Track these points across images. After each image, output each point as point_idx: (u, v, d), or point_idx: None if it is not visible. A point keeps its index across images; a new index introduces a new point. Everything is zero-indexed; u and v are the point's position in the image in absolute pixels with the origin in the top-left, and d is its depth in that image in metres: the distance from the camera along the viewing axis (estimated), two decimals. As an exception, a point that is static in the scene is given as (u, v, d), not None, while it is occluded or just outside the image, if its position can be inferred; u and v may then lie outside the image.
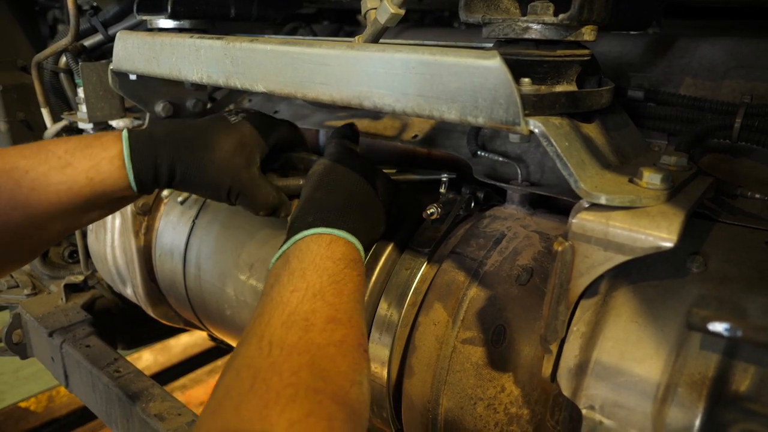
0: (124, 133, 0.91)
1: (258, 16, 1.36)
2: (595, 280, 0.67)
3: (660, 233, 0.58)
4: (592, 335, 0.69)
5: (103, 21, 1.51)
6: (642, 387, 0.64)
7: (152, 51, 1.11)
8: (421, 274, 0.98)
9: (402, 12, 0.78)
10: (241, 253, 1.22)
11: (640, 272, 0.70)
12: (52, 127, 1.53)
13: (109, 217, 1.53)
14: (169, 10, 1.19)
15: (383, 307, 1.00)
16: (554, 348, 0.71)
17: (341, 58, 0.77)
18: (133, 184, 0.91)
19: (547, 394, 0.78)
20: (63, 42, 1.38)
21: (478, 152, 1.07)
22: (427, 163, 1.30)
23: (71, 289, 1.71)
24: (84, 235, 1.71)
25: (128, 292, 1.58)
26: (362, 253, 0.83)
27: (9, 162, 0.84)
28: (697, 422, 0.57)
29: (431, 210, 0.99)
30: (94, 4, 1.66)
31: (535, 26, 0.68)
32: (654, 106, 0.95)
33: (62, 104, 1.58)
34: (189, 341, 3.70)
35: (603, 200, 0.61)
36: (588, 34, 0.69)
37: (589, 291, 0.70)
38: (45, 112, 1.52)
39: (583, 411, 0.68)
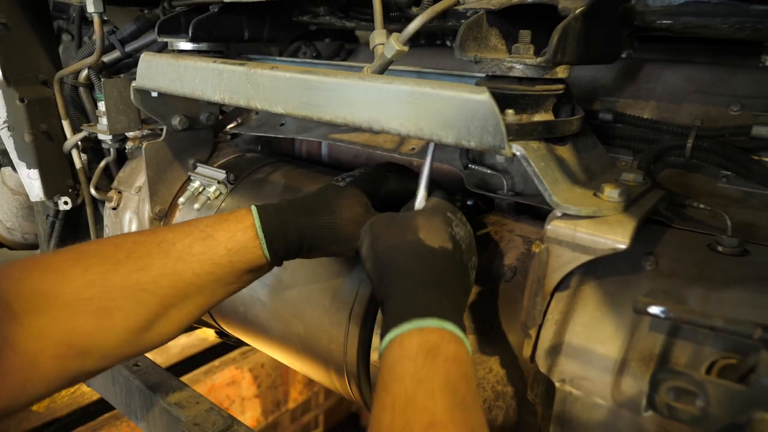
0: (254, 208, 0.98)
1: (269, 38, 1.49)
2: (566, 275, 0.81)
3: (616, 237, 0.73)
4: (564, 322, 0.83)
5: (120, 39, 1.64)
6: (603, 363, 0.78)
7: (176, 72, 1.24)
8: (419, 273, 1.12)
9: (406, 49, 0.92)
10: (254, 255, 1.35)
11: (604, 269, 0.85)
12: (72, 138, 1.65)
13: (126, 223, 1.65)
14: (191, 34, 1.32)
15: (385, 302, 1.13)
16: (533, 333, 0.85)
17: (354, 87, 0.90)
18: (265, 251, 0.94)
19: (527, 373, 0.92)
20: (88, 60, 1.50)
21: (469, 165, 1.21)
22: (412, 173, 1.44)
23: (87, 289, 1.82)
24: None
25: (143, 291, 1.69)
26: (442, 328, 0.71)
27: (159, 235, 0.92)
28: (645, 389, 0.71)
29: (427, 216, 1.12)
30: (105, 18, 1.78)
31: (517, 66, 0.82)
32: (621, 126, 1.10)
33: (81, 116, 1.70)
34: (187, 342, 3.81)
35: (572, 211, 0.76)
36: (561, 72, 0.84)
37: (562, 285, 0.85)
38: (66, 124, 1.64)
39: (557, 384, 0.82)
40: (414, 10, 1.10)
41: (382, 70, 0.97)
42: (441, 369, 0.66)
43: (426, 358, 0.67)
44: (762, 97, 1.06)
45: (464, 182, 1.19)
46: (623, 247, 0.72)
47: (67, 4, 2.13)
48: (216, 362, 3.88)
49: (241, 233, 0.94)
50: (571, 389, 0.81)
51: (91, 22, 1.77)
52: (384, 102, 0.87)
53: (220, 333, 1.95)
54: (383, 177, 1.13)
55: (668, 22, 0.94)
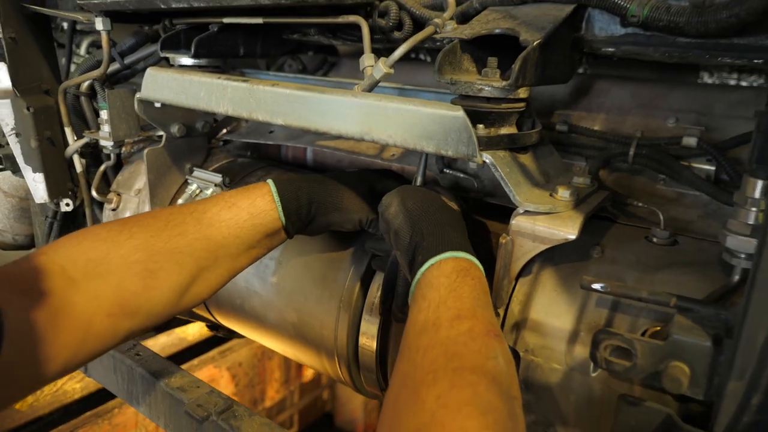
0: (270, 180, 1.14)
1: (261, 53, 1.63)
2: (528, 262, 0.97)
3: (567, 229, 0.89)
4: (527, 302, 1.00)
5: (120, 52, 1.76)
6: (559, 334, 0.95)
7: (181, 86, 1.37)
8: (402, 265, 1.28)
9: (392, 71, 1.08)
10: (251, 251, 1.49)
11: (559, 258, 1.02)
12: (74, 144, 1.76)
13: (125, 222, 1.77)
14: (193, 51, 1.45)
15: (372, 292, 1.29)
16: (501, 311, 1.01)
17: (348, 103, 1.06)
18: (281, 212, 1.11)
19: (496, 347, 1.08)
20: (95, 72, 1.62)
21: (444, 170, 1.37)
22: (401, 178, 1.60)
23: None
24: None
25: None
26: (470, 260, 0.90)
27: (191, 207, 1.08)
28: (589, 354, 0.88)
29: (409, 215, 1.28)
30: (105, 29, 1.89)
31: (486, 88, 0.98)
32: (575, 136, 1.28)
33: (81, 123, 1.81)
34: (167, 341, 3.90)
35: (531, 208, 0.92)
36: (523, 92, 1.00)
37: (525, 271, 1.01)
38: (68, 131, 1.75)
39: (521, 354, 0.98)
40: (396, 34, 1.26)
41: (371, 89, 1.12)
42: (469, 283, 0.85)
43: (458, 276, 0.85)
44: (693, 112, 1.24)
45: (440, 184, 1.35)
46: (573, 237, 0.89)
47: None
48: (195, 361, 3.98)
49: (260, 199, 1.11)
50: (532, 357, 0.97)
51: (79, 32, 1.88)
52: (375, 117, 1.02)
53: (212, 326, 2.07)
54: (382, 174, 1.31)
55: (611, 49, 1.11)
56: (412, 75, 1.66)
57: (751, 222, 0.80)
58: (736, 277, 0.84)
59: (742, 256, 0.82)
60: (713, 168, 1.14)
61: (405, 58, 1.59)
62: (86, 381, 3.20)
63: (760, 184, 0.80)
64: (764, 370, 0.64)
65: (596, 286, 0.81)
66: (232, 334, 2.18)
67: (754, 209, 0.81)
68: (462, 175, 1.35)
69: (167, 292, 0.98)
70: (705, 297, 0.82)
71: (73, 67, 2.01)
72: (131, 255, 0.95)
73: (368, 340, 1.29)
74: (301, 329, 1.42)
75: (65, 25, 2.12)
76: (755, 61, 0.96)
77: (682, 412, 0.80)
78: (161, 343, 3.92)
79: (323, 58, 1.95)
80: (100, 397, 3.19)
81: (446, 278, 0.85)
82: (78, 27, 2.04)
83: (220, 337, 4.31)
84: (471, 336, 0.75)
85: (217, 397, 1.46)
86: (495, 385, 0.69)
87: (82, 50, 2.30)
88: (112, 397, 3.04)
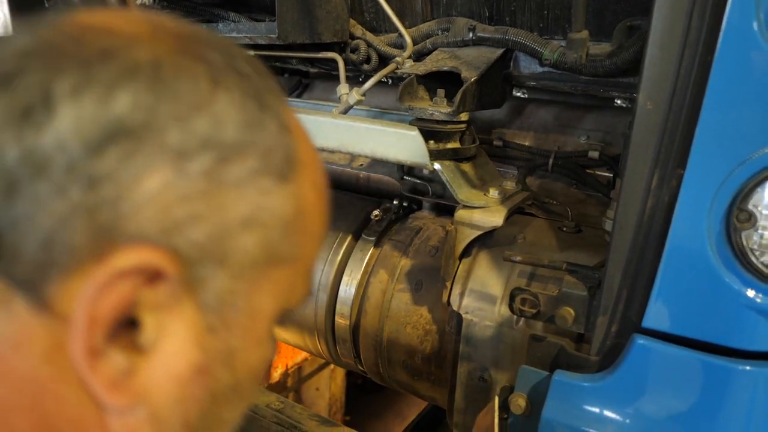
0: None
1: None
2: (469, 246, 1.28)
3: (495, 219, 1.21)
4: (468, 276, 1.30)
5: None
6: (491, 299, 1.26)
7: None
8: (370, 254, 1.57)
9: (364, 98, 1.38)
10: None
11: (493, 243, 1.33)
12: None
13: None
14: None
15: (346, 276, 1.57)
16: (448, 284, 1.32)
17: (328, 123, 1.35)
18: None
19: (445, 313, 1.39)
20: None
21: (404, 177, 1.68)
22: (366, 183, 1.90)
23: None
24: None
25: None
26: None
27: None
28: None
29: (376, 213, 1.58)
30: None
31: (435, 113, 1.29)
32: (509, 150, 1.60)
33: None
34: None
35: (469, 204, 1.23)
36: (464, 116, 1.32)
37: (467, 253, 1.32)
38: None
39: (463, 315, 1.29)
40: (365, 66, 1.56)
41: (346, 111, 1.42)
42: None
43: None
44: (601, 131, 1.58)
45: (401, 189, 1.66)
46: (499, 224, 1.20)
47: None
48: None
49: None
50: (471, 317, 1.28)
51: None
52: (350, 134, 1.31)
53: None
54: None
55: (533, 83, 1.44)
56: (382, 95, 1.96)
57: (622, 212, 1.13)
58: (614, 252, 1.16)
59: (618, 236, 1.15)
60: (612, 175, 1.47)
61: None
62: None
63: (627, 184, 1.12)
64: (618, 306, 0.95)
65: (514, 258, 1.12)
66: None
67: (624, 202, 1.13)
68: (419, 181, 1.66)
69: None
70: (593, 265, 1.14)
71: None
72: None
73: (344, 317, 1.58)
74: (286, 310, 1.70)
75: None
76: (634, 94, 1.30)
77: (578, 347, 1.12)
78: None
79: (298, 80, 2.24)
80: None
81: None
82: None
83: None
84: None
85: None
86: None
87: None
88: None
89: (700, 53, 0.82)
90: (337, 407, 5.42)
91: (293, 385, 5.46)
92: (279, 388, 5.26)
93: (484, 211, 1.23)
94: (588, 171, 1.47)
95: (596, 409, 0.97)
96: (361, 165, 1.84)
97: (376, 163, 1.83)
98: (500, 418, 1.10)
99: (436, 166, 1.24)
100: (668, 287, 0.89)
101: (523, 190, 1.36)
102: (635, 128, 0.89)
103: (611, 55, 1.23)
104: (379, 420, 5.50)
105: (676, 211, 0.87)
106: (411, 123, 1.35)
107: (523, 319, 1.20)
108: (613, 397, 0.96)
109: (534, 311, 1.08)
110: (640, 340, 0.93)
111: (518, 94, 1.85)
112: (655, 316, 0.92)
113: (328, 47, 1.55)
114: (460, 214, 1.25)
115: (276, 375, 5.17)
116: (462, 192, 1.25)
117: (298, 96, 2.20)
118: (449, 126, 1.31)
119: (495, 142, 1.61)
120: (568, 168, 1.48)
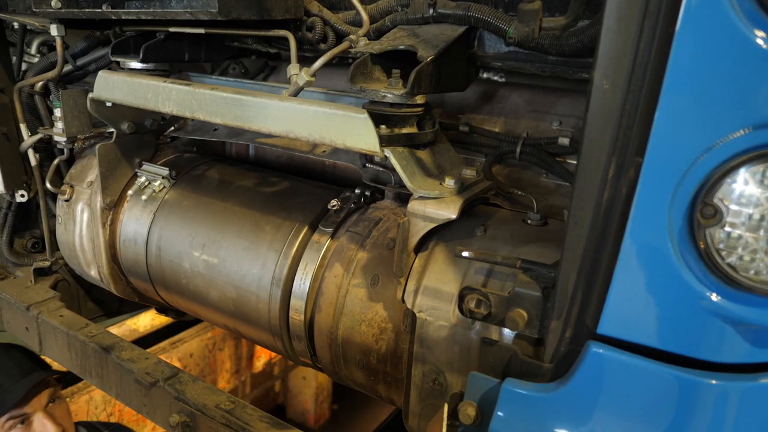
0: None
1: (205, 59, 1.80)
2: (425, 240, 1.18)
3: (449, 211, 1.11)
4: (423, 272, 1.21)
5: (72, 54, 1.89)
6: (446, 297, 1.16)
7: (131, 88, 1.53)
8: (326, 246, 1.47)
9: (314, 79, 1.27)
10: (195, 236, 1.66)
11: (450, 236, 1.23)
12: (29, 139, 1.89)
13: (78, 211, 1.91)
14: (141, 56, 1.61)
15: (300, 270, 1.48)
16: (403, 281, 1.22)
17: (275, 106, 1.24)
18: None
19: (400, 311, 1.29)
20: (50, 74, 1.76)
21: (366, 164, 1.57)
22: (332, 170, 1.79)
23: (38, 273, 2.06)
24: (51, 228, 2.06)
25: (92, 273, 1.96)
26: None
27: None
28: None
29: (333, 203, 1.48)
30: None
31: (389, 95, 1.18)
32: (476, 136, 1.49)
33: (35, 120, 1.94)
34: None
35: (422, 194, 1.13)
36: (420, 99, 1.21)
37: (423, 247, 1.22)
38: (23, 127, 1.88)
39: (418, 314, 1.19)
40: (322, 46, 1.45)
41: (296, 94, 1.31)
42: None
43: None
44: (574, 116, 1.48)
45: (362, 177, 1.55)
46: (453, 216, 1.10)
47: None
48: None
49: None
50: (426, 317, 1.18)
51: (30, 31, 2.01)
52: (297, 117, 1.21)
53: (161, 309, 2.22)
54: None
55: (499, 64, 1.34)
56: (338, 78, 1.85)
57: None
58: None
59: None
60: (583, 163, 1.37)
61: (337, 64, 1.79)
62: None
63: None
64: (573, 309, 0.86)
65: (465, 254, 1.03)
66: (181, 316, 2.33)
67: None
68: (381, 169, 1.56)
69: None
70: (551, 263, 1.04)
71: (24, 66, 2.13)
72: None
73: (298, 313, 1.48)
74: (240, 304, 1.60)
75: (16, 24, 2.23)
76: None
77: (536, 353, 1.03)
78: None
79: (264, 63, 2.12)
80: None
81: None
82: (29, 27, 2.16)
83: (171, 328, 4.40)
84: None
85: (164, 366, 1.62)
86: None
87: (33, 49, 2.41)
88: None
89: (662, 24, 0.71)
90: (324, 396, 5.37)
91: (279, 373, 5.40)
92: (265, 377, 5.21)
93: (438, 202, 1.13)
94: (558, 159, 1.37)
95: (547, 423, 0.88)
96: (324, 152, 1.73)
97: (339, 149, 1.72)
98: (450, 427, 1.01)
99: (387, 152, 1.14)
100: (625, 290, 0.80)
101: (485, 179, 1.26)
102: (590, 111, 0.79)
103: (578, 33, 1.12)
104: (366, 410, 5.45)
105: (634, 204, 0.77)
106: (363, 106, 1.24)
107: (479, 319, 1.10)
108: (566, 410, 0.86)
109: (485, 313, 0.98)
110: (595, 348, 0.83)
111: (492, 76, 1.75)
112: (612, 321, 0.82)
113: (282, 24, 1.44)
114: (413, 205, 1.15)
115: (259, 364, 5.10)
116: (415, 181, 1.15)
117: (264, 79, 2.09)
118: (403, 109, 1.21)
119: (461, 128, 1.50)
120: (535, 155, 1.38)
